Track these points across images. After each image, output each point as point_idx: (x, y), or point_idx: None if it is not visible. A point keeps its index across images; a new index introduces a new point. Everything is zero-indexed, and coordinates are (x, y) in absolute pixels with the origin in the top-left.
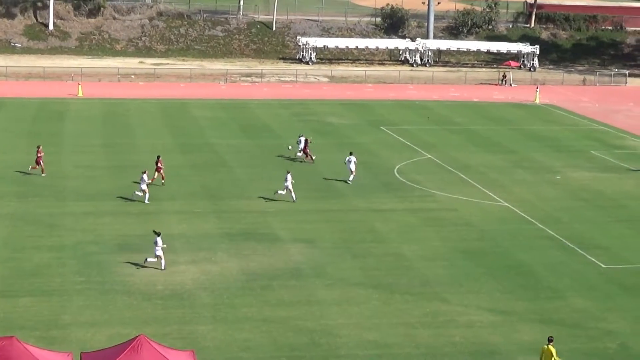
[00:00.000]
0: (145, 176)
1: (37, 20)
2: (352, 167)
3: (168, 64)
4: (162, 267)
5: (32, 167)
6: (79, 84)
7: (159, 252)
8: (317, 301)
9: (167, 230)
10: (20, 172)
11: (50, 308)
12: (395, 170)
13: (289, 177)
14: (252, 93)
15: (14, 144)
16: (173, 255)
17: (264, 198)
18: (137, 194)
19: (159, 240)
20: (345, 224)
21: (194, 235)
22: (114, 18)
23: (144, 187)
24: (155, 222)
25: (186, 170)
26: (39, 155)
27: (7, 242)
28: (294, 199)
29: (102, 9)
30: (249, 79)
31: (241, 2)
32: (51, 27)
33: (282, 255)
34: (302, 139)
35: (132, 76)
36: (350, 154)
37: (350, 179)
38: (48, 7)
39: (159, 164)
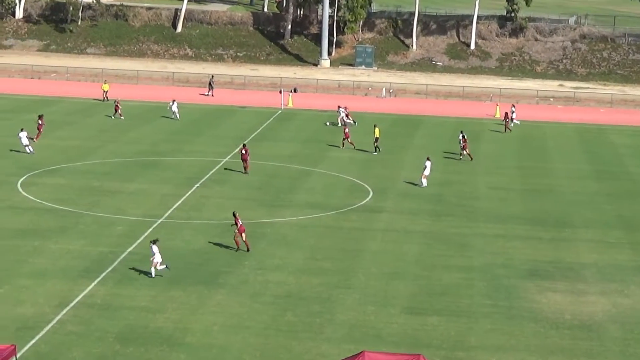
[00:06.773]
0: None
1: (459, 39)
2: None
3: (588, 87)
4: (153, 275)
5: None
6: (497, 105)
7: (157, 259)
8: None
9: (577, 259)
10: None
11: (457, 329)
12: None
13: (428, 164)
14: None
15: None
16: (583, 284)
17: None
18: None
19: (154, 247)
20: None
21: (606, 266)
22: (536, 39)
23: None
24: (566, 249)
25: (601, 198)
26: (243, 153)
27: (419, 259)
28: (423, 184)
29: (524, 29)
30: None
31: None
32: (472, 46)
33: None
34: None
35: (551, 99)
36: None
37: None
38: (471, 26)
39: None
